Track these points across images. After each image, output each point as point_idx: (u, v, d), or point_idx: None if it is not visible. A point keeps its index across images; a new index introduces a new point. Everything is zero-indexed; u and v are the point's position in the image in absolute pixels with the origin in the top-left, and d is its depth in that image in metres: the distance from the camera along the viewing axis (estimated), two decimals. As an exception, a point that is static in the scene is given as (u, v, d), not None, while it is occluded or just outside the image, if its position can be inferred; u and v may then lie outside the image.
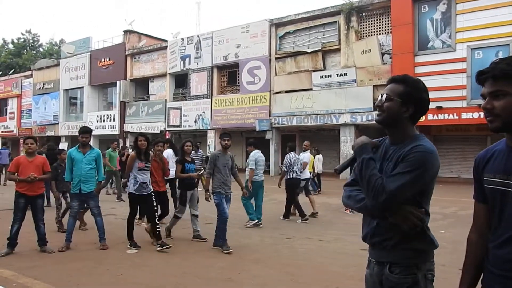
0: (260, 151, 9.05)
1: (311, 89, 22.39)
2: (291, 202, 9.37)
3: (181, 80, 28.92)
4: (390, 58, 20.00)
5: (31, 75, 38.92)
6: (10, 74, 42.23)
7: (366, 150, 2.08)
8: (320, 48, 22.37)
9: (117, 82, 30.96)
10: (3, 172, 17.92)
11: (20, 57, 52.99)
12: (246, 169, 8.98)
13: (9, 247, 6.26)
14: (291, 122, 22.93)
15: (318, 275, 5.36)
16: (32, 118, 38.11)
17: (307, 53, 22.83)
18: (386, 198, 1.88)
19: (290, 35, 23.67)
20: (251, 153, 8.88)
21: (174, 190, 9.01)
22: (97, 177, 6.83)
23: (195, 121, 27.08)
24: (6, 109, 41.32)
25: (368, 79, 20.54)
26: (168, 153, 9.55)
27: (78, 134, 6.72)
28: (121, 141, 29.81)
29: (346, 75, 21.22)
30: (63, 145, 33.77)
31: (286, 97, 23.21)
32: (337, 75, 21.58)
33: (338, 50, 21.84)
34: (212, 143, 25.48)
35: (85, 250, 6.59)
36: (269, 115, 23.75)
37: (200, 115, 26.86)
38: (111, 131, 31.46)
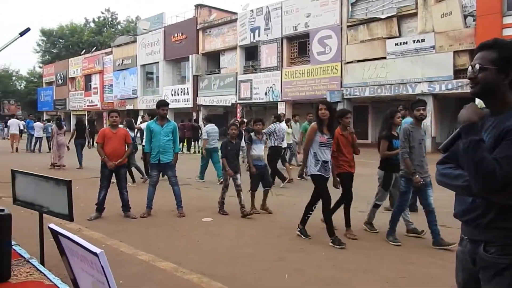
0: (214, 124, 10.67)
1: (385, 58, 21.44)
2: (273, 169, 10.14)
3: (251, 53, 28.99)
4: (474, 20, 18.46)
5: (111, 52, 41.09)
6: (93, 52, 44.88)
7: (474, 130, 1.83)
8: (395, 13, 21.21)
9: (190, 56, 31.73)
10: (32, 141, 20.30)
11: (101, 35, 56.12)
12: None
13: (98, 212, 6.78)
14: (363, 93, 22.22)
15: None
16: (113, 92, 40.44)
17: (381, 19, 21.77)
18: (497, 184, 1.71)
19: (362, 1, 22.65)
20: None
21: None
22: (173, 148, 7.08)
23: (266, 94, 27.15)
24: (91, 85, 44.23)
25: (448, 45, 19.20)
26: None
27: (156, 107, 7.01)
28: (194, 115, 30.80)
29: (424, 41, 19.99)
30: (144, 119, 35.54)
31: (358, 67, 22.45)
32: (414, 41, 20.40)
33: (415, 14, 20.57)
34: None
35: (164, 217, 6.95)
36: (341, 86, 23.17)
37: (270, 87, 26.86)
38: (185, 104, 32.53)
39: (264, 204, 7.42)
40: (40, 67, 61.12)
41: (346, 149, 5.86)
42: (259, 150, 7.44)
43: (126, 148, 7.00)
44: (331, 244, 5.35)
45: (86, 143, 14.62)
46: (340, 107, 23.10)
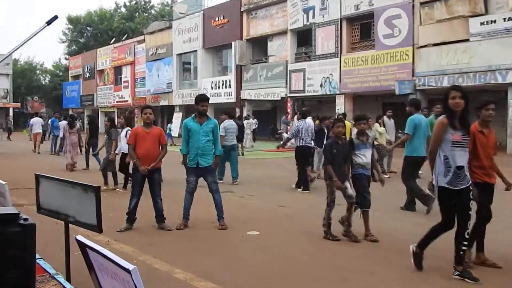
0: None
1: (467, 40, 20.66)
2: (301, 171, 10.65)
3: (304, 37, 28.86)
4: None
5: (144, 39, 42.29)
6: (123, 40, 46.34)
7: None
8: (480, -14, 20.40)
9: (233, 43, 32.03)
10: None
11: (132, 21, 57.92)
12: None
13: (128, 222, 6.97)
14: (440, 82, 21.52)
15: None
16: (145, 86, 41.59)
17: (462, -6, 21.01)
18: None
19: (440, -28, 21.97)
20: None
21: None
22: (214, 150, 7.15)
23: (321, 85, 26.93)
24: (121, 78, 45.70)
25: (548, 23, 18.24)
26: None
27: (194, 102, 7.10)
28: (237, 111, 31.04)
29: (517, 19, 19.10)
30: (178, 115, 36.33)
31: (435, 52, 21.78)
32: (504, 19, 19.53)
33: (506, -14, 19.67)
34: (342, 110, 25.16)
35: (203, 229, 7.04)
36: (412, 75, 22.58)
37: (327, 77, 26.62)
38: (227, 99, 32.88)
39: (368, 230, 6.44)
40: (66, 59, 63.96)
41: (485, 151, 5.12)
42: (366, 157, 6.51)
43: (161, 149, 7.14)
44: (456, 276, 4.75)
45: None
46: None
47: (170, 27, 38.83)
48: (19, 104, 56.14)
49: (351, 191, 6.42)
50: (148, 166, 6.91)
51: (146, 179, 7.06)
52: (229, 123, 11.99)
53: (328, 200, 6.55)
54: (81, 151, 15.29)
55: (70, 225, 3.58)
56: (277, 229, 7.09)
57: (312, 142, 11.07)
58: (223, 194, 7.61)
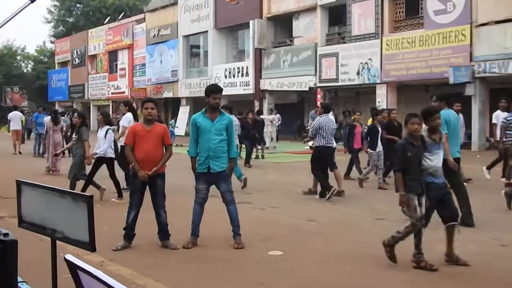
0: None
1: (539, 17, 20.36)
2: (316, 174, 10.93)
3: (337, 15, 28.76)
4: None
5: (144, 18, 42.65)
6: (120, 19, 46.75)
7: None
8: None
9: (250, 22, 32.05)
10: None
11: (130, -4, 58.37)
12: None
13: (126, 239, 7.01)
14: (505, 69, 21.25)
15: None
16: (146, 75, 41.93)
17: (533, -41, 20.72)
18: None
19: None
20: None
21: None
22: (229, 151, 7.14)
23: (358, 73, 26.80)
24: (116, 65, 46.15)
25: None
26: (128, 118, 11.66)
27: (205, 94, 7.10)
28: (256, 104, 31.05)
29: None
30: (184, 109, 36.51)
31: (498, 31, 21.49)
32: None
33: None
34: (383, 103, 25.01)
35: (215, 247, 7.05)
36: (470, 60, 22.32)
37: (365, 63, 26.47)
38: (244, 89, 32.92)
39: (451, 250, 6.20)
40: (51, 42, 64.77)
41: None
42: (437, 160, 6.38)
43: (165, 151, 7.17)
44: None
45: None
46: (469, 90, 22.27)
47: (175, 3, 38.97)
48: (-4, 96, 57.01)
49: (421, 212, 6.06)
50: (149, 171, 6.93)
51: (147, 187, 7.09)
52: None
53: (413, 219, 6.06)
54: (63, 154, 15.46)
55: (58, 242, 3.61)
56: (305, 249, 7.06)
57: (334, 142, 11.22)
58: (240, 205, 7.61)
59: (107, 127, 10.64)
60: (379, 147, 12.03)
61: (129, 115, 12.03)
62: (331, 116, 11.71)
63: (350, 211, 9.65)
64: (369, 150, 12.27)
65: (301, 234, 7.87)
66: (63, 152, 15.40)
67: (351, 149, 13.75)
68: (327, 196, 10.54)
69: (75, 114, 12.02)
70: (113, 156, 10.75)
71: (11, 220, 7.62)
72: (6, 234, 2.06)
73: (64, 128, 17.37)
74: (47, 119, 17.25)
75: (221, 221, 7.51)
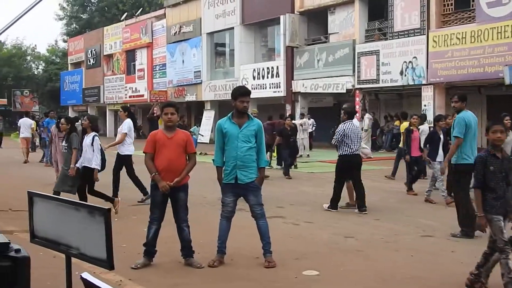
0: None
1: None
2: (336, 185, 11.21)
3: (377, 8, 28.63)
4: None
5: (164, 14, 42.93)
6: (138, 15, 47.20)
7: None
8: None
9: (281, 17, 32.04)
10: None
11: (150, -10, 58.89)
12: None
13: (146, 256, 7.06)
14: None
15: None
16: (167, 76, 42.22)
17: None
18: None
19: None
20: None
21: None
22: (258, 160, 7.14)
23: (402, 73, 26.60)
24: (134, 65, 46.51)
25: None
26: (129, 124, 12.04)
27: (231, 97, 7.14)
28: (288, 108, 31.02)
29: None
30: (209, 114, 36.65)
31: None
32: None
33: None
34: (430, 106, 24.77)
35: (244, 266, 7.07)
36: (529, 58, 22.00)
37: (410, 62, 26.27)
38: (274, 92, 32.91)
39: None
40: (64, 41, 65.72)
41: None
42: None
43: (188, 160, 7.21)
44: None
45: None
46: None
47: (198, -3, 39.22)
48: (5, 100, 57.77)
49: (506, 234, 5.74)
50: (171, 182, 6.97)
51: (169, 200, 7.13)
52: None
53: (499, 243, 5.70)
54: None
55: (73, 259, 3.65)
56: (342, 269, 7.03)
57: (359, 150, 11.37)
58: (271, 219, 7.61)
59: (93, 133, 10.41)
60: (440, 157, 11.84)
61: (129, 121, 12.21)
62: (355, 122, 11.90)
63: (392, 227, 9.57)
64: (429, 160, 12.08)
65: (339, 252, 7.84)
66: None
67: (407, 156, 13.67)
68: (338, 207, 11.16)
69: (62, 119, 12.01)
70: (98, 167, 10.31)
71: (22, 235, 7.71)
72: (17, 250, 2.09)
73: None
74: (53, 125, 17.41)
75: (250, 237, 7.51)
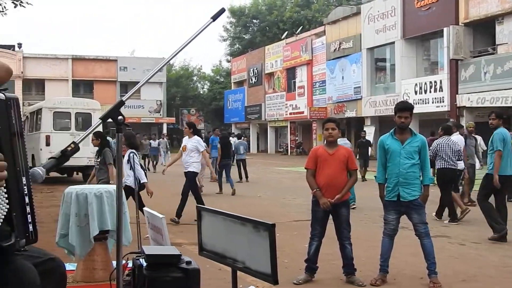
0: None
1: None
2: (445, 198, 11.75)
3: (551, 15, 26.96)
4: None
5: (324, 31, 43.53)
6: (298, 34, 48.13)
7: None
8: None
9: (444, 29, 31.20)
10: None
11: (309, 8, 59.97)
12: None
13: (308, 272, 7.10)
14: None
15: None
16: (326, 92, 42.60)
17: None
18: None
19: None
20: None
21: None
22: (422, 177, 7.01)
23: None
24: (294, 83, 47.52)
25: None
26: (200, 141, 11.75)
27: (394, 112, 7.05)
28: (451, 120, 29.97)
29: None
30: (370, 130, 36.36)
31: None
32: None
33: None
34: None
35: (407, 286, 6.89)
36: None
37: None
38: (437, 107, 32.01)
39: None
40: (228, 61, 68.54)
41: None
42: None
43: (349, 176, 7.19)
44: None
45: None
46: None
47: (358, 13, 39.33)
48: (174, 118, 61.21)
49: None
50: (332, 198, 6.99)
51: (330, 216, 7.15)
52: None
53: None
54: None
55: (238, 273, 3.76)
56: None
57: (458, 163, 11.96)
58: (436, 239, 7.38)
59: (130, 150, 9.76)
60: None
61: (198, 138, 11.76)
62: (454, 137, 12.51)
63: None
64: None
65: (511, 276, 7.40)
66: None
67: None
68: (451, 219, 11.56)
69: (92, 135, 10.26)
70: (132, 185, 9.54)
71: (190, 247, 8.12)
72: (189, 262, 2.19)
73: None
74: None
75: (413, 256, 7.32)
